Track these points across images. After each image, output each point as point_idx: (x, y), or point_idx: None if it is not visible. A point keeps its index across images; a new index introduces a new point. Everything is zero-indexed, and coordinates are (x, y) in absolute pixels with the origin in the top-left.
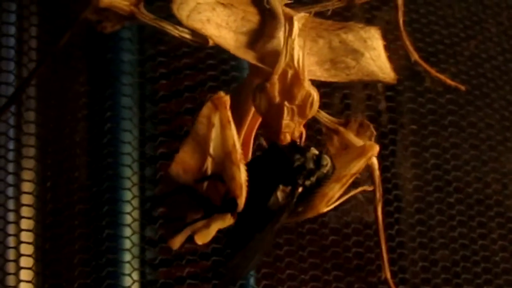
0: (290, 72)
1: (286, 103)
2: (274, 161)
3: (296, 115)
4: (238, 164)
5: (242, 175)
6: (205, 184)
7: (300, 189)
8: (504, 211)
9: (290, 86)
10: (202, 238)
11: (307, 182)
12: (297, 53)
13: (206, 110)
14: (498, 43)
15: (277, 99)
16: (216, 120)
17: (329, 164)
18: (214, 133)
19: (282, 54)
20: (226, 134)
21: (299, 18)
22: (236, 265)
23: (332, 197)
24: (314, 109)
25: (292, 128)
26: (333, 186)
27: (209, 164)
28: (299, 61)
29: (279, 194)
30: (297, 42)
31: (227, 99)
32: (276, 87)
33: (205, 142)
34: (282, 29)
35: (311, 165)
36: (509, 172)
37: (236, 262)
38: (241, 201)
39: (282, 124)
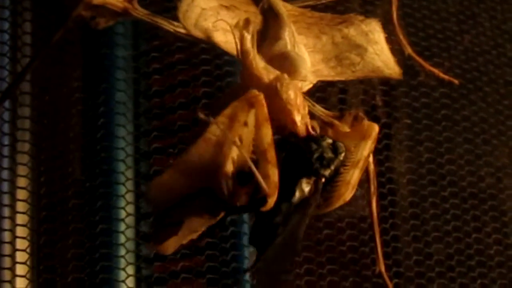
0: (249, 68)
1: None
2: (292, 154)
3: (276, 107)
4: (274, 162)
5: (276, 173)
6: (229, 184)
7: (323, 179)
8: (498, 204)
9: (253, 80)
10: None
11: (328, 172)
12: (247, 47)
13: (230, 110)
14: (492, 37)
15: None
16: (250, 119)
17: (344, 151)
18: (246, 132)
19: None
20: (263, 133)
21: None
22: (270, 262)
23: (355, 184)
24: (288, 94)
25: (285, 120)
26: (353, 172)
27: (230, 165)
28: (249, 55)
29: (304, 187)
30: (250, 37)
31: (263, 97)
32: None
33: (222, 143)
34: (287, 28)
35: (329, 154)
36: (503, 166)
37: (269, 260)
38: (273, 200)
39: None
